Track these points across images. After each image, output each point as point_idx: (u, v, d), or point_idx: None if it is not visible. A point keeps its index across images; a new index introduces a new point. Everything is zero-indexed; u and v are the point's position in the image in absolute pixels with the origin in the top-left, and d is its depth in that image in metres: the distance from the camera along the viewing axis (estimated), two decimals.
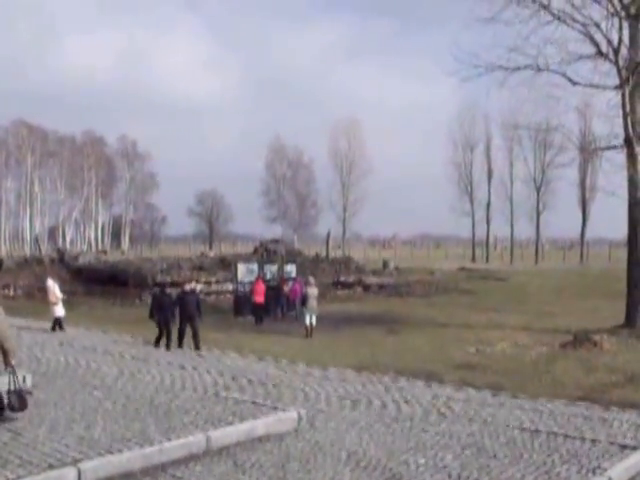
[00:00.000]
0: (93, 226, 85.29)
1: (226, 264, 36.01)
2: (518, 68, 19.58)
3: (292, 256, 37.09)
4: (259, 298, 22.43)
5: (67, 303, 19.81)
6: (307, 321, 19.45)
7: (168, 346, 15.53)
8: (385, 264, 44.79)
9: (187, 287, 16.65)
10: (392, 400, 10.30)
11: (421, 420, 9.01)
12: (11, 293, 31.87)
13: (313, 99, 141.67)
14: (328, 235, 47.28)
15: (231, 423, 8.02)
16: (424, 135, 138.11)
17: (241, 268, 24.52)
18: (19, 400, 7.94)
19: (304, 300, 20.21)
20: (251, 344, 15.83)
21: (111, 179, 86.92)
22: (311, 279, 20.67)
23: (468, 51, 20.92)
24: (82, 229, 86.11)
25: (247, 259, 35.58)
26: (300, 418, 8.60)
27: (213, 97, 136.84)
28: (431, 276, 41.29)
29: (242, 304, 23.97)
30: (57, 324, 18.59)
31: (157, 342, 15.91)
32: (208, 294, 30.76)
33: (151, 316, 16.06)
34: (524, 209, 68.65)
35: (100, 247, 78.74)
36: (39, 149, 78.70)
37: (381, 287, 35.59)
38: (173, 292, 18.09)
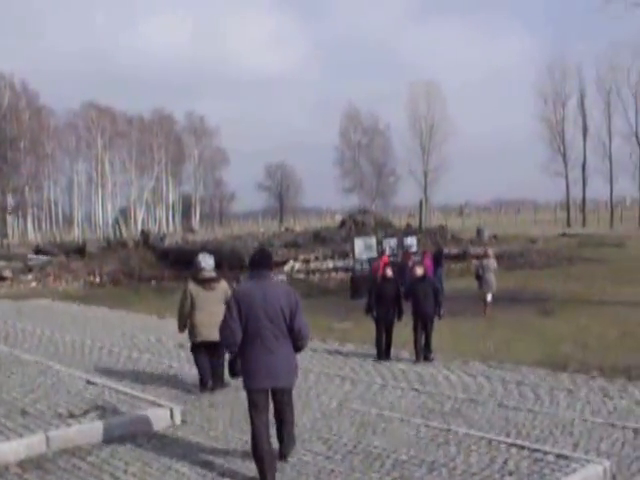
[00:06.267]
0: (164, 206, 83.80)
1: (320, 239, 33.23)
2: None
3: (383, 227, 34.02)
4: None
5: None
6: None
7: (387, 353, 11.38)
8: (479, 232, 40.78)
9: (419, 271, 11.65)
10: None
11: None
12: (97, 280, 29.65)
13: (387, 63, 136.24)
14: (421, 203, 43.48)
15: None
16: (505, 99, 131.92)
17: (359, 243, 21.35)
18: None
19: (478, 274, 16.96)
20: (400, 333, 12.16)
21: (180, 156, 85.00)
22: (489, 250, 17.38)
23: None
24: (152, 209, 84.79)
25: (335, 232, 32.77)
26: None
27: (282, 70, 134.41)
28: (533, 244, 37.40)
29: (361, 284, 20.80)
30: None
31: (381, 351, 11.43)
32: (308, 273, 28.10)
33: (369, 310, 11.56)
34: (624, 167, 63.10)
35: (170, 227, 77.27)
36: (108, 130, 77.36)
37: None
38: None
